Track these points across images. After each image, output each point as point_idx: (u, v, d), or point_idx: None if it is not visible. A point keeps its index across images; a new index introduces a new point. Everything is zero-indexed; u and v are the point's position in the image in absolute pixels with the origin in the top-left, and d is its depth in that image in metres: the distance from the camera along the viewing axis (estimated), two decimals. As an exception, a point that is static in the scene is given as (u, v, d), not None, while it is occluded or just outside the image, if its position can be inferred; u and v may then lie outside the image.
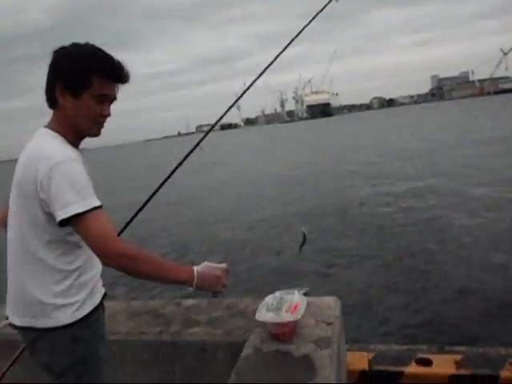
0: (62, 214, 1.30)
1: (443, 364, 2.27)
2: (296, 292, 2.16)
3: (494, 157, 14.47)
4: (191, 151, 2.37)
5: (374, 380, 2.28)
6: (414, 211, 9.29)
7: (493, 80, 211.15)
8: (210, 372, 2.07)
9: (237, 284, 5.82)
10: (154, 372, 2.14)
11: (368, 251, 7.17)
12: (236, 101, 2.67)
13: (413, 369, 2.26)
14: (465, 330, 4.53)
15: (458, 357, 2.31)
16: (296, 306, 2.04)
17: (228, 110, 2.65)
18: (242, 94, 2.80)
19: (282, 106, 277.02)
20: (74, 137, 1.48)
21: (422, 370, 2.25)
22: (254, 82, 2.67)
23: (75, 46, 1.42)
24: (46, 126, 1.47)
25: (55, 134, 1.44)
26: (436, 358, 2.34)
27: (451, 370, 2.20)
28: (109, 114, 1.49)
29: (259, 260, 7.50)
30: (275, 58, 2.68)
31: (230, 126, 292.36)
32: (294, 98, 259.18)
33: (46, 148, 1.38)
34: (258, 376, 1.62)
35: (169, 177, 2.34)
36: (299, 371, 1.67)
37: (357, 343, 2.92)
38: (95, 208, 1.33)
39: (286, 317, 1.92)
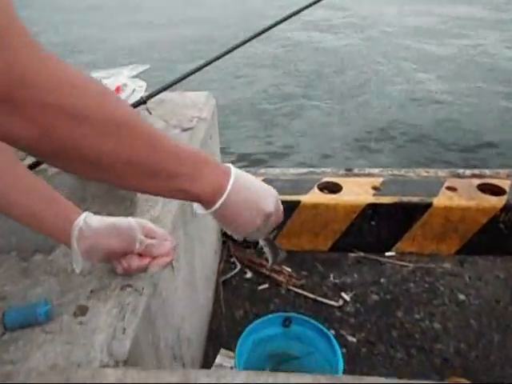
0: None
1: (357, 190, 1.58)
2: (125, 71, 1.19)
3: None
4: None
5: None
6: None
7: None
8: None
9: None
10: None
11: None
12: None
13: (315, 197, 1.54)
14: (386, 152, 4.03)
15: (378, 180, 1.63)
16: (117, 89, 1.10)
17: None
18: None
19: None
20: None
21: (327, 198, 1.54)
22: None
23: None
24: None
25: None
26: (346, 183, 1.64)
27: (368, 196, 1.53)
28: None
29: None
30: None
31: None
32: None
33: None
34: None
35: None
36: (120, 209, 0.83)
37: (245, 168, 2.15)
38: None
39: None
